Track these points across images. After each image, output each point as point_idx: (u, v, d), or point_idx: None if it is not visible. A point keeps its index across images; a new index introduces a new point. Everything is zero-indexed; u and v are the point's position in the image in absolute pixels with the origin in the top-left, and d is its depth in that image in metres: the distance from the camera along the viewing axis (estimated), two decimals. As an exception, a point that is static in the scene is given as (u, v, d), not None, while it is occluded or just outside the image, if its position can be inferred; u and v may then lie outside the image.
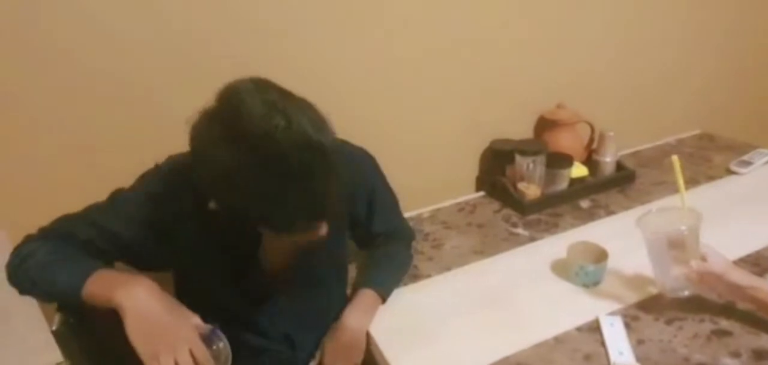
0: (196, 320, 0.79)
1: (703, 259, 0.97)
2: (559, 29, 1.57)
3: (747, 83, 2.06)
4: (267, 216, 0.75)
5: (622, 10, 1.65)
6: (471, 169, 1.63)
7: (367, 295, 1.05)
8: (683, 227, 0.96)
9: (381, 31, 1.33)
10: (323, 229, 0.81)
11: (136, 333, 0.72)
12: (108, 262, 0.87)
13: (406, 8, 1.33)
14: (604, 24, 1.64)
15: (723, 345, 0.95)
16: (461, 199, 1.54)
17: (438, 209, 1.49)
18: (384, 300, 1.07)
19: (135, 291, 0.75)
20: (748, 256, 1.19)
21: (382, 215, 1.11)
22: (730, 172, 1.58)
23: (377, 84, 1.38)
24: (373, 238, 1.13)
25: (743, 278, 0.96)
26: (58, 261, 0.80)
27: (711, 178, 1.56)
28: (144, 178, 0.90)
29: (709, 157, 1.70)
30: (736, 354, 0.92)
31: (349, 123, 1.08)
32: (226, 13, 1.14)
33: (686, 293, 1.00)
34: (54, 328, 0.86)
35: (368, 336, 1.02)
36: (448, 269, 1.22)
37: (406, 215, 1.27)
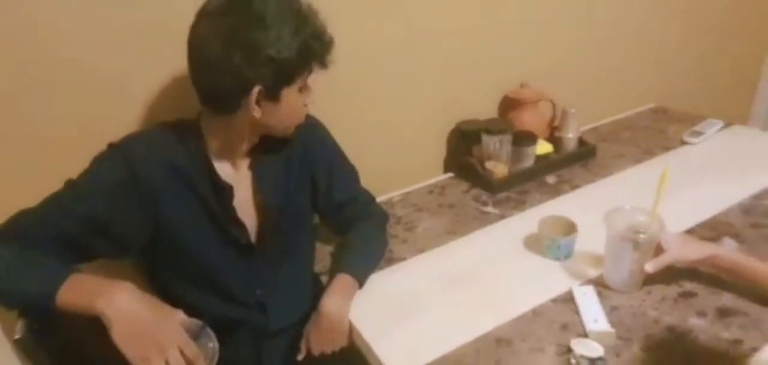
0: (181, 316, 0.80)
1: (660, 248, 1.00)
2: (520, 10, 1.59)
3: (698, 58, 2.16)
4: (310, 47, 0.87)
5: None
6: (439, 151, 1.64)
7: (344, 280, 1.04)
8: (643, 236, 0.99)
9: (346, 16, 1.31)
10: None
11: (123, 339, 0.72)
12: (80, 255, 0.84)
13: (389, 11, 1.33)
14: (563, 5, 1.68)
15: (689, 305, 0.99)
16: (431, 181, 1.55)
17: (408, 193, 1.49)
18: (361, 284, 1.07)
19: (117, 297, 0.74)
20: (705, 222, 1.24)
21: (344, 182, 1.15)
22: (683, 142, 1.66)
23: (344, 70, 1.35)
24: (336, 209, 1.15)
25: (697, 251, 1.01)
26: (24, 267, 0.76)
27: (666, 149, 1.63)
28: (102, 159, 0.89)
29: (664, 129, 1.77)
30: (702, 314, 0.97)
31: (316, 110, 1.07)
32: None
33: (626, 290, 1.03)
34: (17, 337, 0.81)
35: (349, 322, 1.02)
36: (422, 251, 1.22)
37: (378, 199, 1.27)
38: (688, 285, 1.04)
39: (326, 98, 1.32)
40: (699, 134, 1.67)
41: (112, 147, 0.89)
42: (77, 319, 0.74)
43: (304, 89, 0.94)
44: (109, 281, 0.77)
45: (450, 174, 1.58)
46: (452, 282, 1.12)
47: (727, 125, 1.73)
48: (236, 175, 0.99)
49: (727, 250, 1.06)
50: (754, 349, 0.89)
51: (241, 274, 1.01)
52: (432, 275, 1.14)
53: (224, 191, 0.95)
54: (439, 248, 1.23)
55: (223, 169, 0.97)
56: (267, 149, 1.01)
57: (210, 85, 0.88)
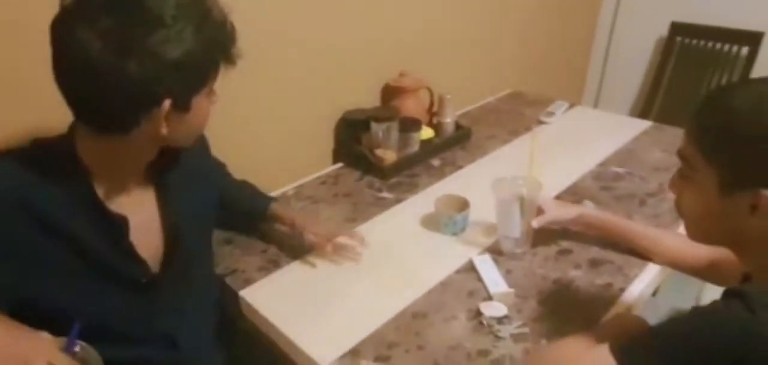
0: (46, 335, 0.69)
1: (541, 209, 1.15)
2: (397, 2, 1.67)
3: (546, 47, 2.45)
4: (218, 42, 0.76)
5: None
6: (327, 142, 1.65)
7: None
8: (526, 198, 1.12)
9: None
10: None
11: None
12: None
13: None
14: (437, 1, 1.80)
15: (567, 261, 1.14)
16: (322, 172, 1.56)
17: (301, 186, 1.48)
18: None
19: None
20: (567, 189, 1.43)
21: (225, 178, 1.17)
22: (539, 122, 1.88)
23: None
24: (223, 207, 1.10)
25: (570, 212, 1.17)
26: None
27: (527, 128, 1.83)
28: None
29: (522, 111, 1.98)
30: (578, 266, 1.13)
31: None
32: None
33: (519, 251, 1.17)
34: None
35: (267, 323, 1.00)
36: (328, 240, 1.23)
37: (271, 194, 1.26)
38: (564, 244, 1.20)
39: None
40: (551, 114, 1.90)
41: None
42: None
43: (210, 92, 0.81)
44: None
45: (340, 164, 1.60)
46: (362, 267, 1.15)
47: (571, 105, 2.00)
48: (129, 200, 0.83)
49: (590, 209, 1.24)
50: (622, 289, 1.06)
51: (140, 312, 0.87)
52: (340, 263, 1.16)
53: (115, 226, 0.80)
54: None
55: (112, 197, 0.81)
56: (164, 159, 0.86)
57: (96, 102, 0.70)
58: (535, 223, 1.14)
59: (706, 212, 0.70)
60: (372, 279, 1.11)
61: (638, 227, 1.15)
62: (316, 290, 1.08)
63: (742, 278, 0.70)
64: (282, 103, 1.46)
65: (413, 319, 1.00)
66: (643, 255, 1.13)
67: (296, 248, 1.18)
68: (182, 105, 0.75)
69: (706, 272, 1.03)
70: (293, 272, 1.13)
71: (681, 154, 0.72)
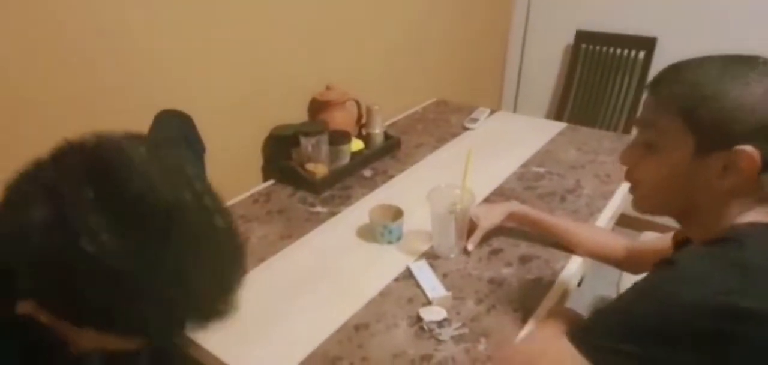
0: None
1: (473, 223, 1.21)
2: (319, 16, 1.67)
3: (467, 57, 2.54)
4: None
5: (372, 2, 1.85)
6: (256, 159, 1.62)
7: None
8: (459, 207, 1.16)
9: (152, 30, 1.21)
10: None
11: None
12: None
13: (176, 5, 1.24)
14: (358, 12, 1.81)
15: (499, 259, 1.19)
16: (253, 190, 1.52)
17: (232, 205, 1.44)
18: None
19: None
20: (494, 191, 1.49)
21: None
22: (465, 128, 1.94)
23: (149, 86, 1.25)
24: None
25: (499, 214, 1.24)
26: None
27: (453, 135, 1.89)
28: None
29: (447, 119, 2.05)
30: (509, 264, 1.18)
31: (122, 123, 0.95)
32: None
33: (452, 255, 1.20)
34: None
35: (208, 354, 0.96)
36: (263, 259, 1.20)
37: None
38: (495, 243, 1.25)
39: (130, 112, 1.21)
40: (475, 120, 1.98)
41: None
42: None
43: None
44: None
45: (271, 181, 1.57)
46: (299, 283, 1.13)
47: (493, 111, 2.09)
48: None
49: (515, 205, 1.29)
50: (551, 282, 1.12)
51: None
52: (278, 281, 1.14)
53: None
54: (278, 254, 1.22)
55: None
56: None
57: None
58: (471, 245, 1.19)
59: (670, 179, 0.73)
60: (311, 295, 1.09)
61: (561, 222, 1.22)
62: (253, 312, 1.04)
63: (659, 260, 0.75)
64: (208, 122, 1.41)
65: (355, 331, 1.00)
66: (566, 247, 1.20)
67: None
68: None
69: (622, 261, 1.12)
70: (228, 295, 1.09)
71: (648, 124, 0.75)
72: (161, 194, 0.53)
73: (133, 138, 0.57)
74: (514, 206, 1.27)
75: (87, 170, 0.52)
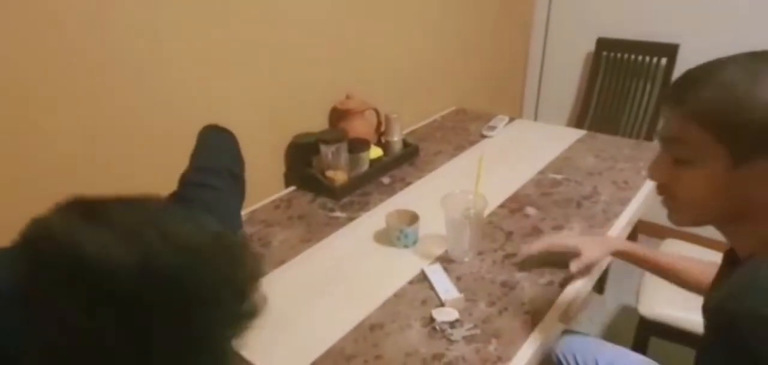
0: None
1: (578, 251, 1.13)
2: (338, 28, 1.72)
3: (487, 66, 2.57)
4: None
5: (391, 12, 1.90)
6: (278, 166, 1.67)
7: None
8: (472, 212, 1.19)
9: (176, 39, 1.28)
10: None
11: None
12: None
13: (200, 14, 1.31)
14: (378, 23, 1.86)
15: (513, 264, 1.21)
16: (274, 197, 1.58)
17: (254, 211, 1.50)
18: None
19: None
20: (510, 197, 1.51)
21: None
22: (483, 136, 1.97)
23: (179, 92, 1.32)
24: None
25: (600, 254, 1.14)
26: None
27: (471, 143, 1.92)
28: None
29: (466, 127, 2.07)
30: (521, 268, 1.20)
31: (148, 134, 1.00)
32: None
33: (467, 259, 1.23)
34: None
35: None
36: (283, 262, 1.25)
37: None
38: (509, 248, 1.27)
39: (160, 118, 1.28)
40: (493, 128, 2.00)
41: None
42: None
43: None
44: None
45: (293, 188, 1.63)
46: (318, 284, 1.17)
47: (512, 119, 2.11)
48: None
49: (619, 242, 1.20)
50: (562, 286, 1.13)
51: None
52: (297, 282, 1.18)
53: None
54: (298, 257, 1.27)
55: None
56: None
57: None
58: (573, 267, 1.12)
59: (710, 192, 0.68)
60: (328, 296, 1.14)
61: (668, 259, 1.13)
62: (274, 312, 1.09)
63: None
64: (232, 130, 1.48)
65: (370, 331, 1.03)
66: (677, 283, 1.12)
67: (252, 272, 1.20)
68: None
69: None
70: (250, 295, 1.14)
71: (675, 139, 0.69)
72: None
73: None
74: (618, 243, 1.19)
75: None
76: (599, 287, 2.33)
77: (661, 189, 0.75)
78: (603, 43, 2.62)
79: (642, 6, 2.51)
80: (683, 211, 0.73)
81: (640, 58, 2.52)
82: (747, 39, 2.21)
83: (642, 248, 1.18)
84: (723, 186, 0.66)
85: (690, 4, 2.38)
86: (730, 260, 0.78)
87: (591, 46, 2.67)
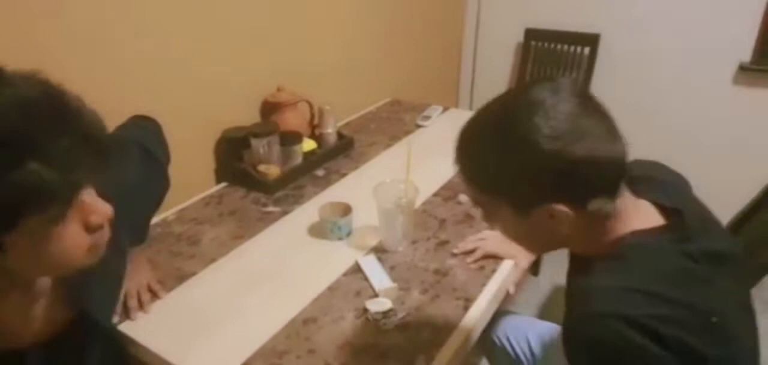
0: None
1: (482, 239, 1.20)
2: (269, 18, 1.68)
3: (421, 57, 2.59)
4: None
5: (323, 2, 1.87)
6: (207, 162, 1.62)
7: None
8: (404, 201, 1.19)
9: (107, 32, 1.21)
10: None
11: None
12: None
13: (130, 10, 1.25)
14: (309, 14, 1.83)
15: (445, 251, 1.23)
16: (204, 193, 1.52)
17: (183, 209, 1.44)
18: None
19: None
20: (444, 184, 1.54)
21: None
22: (417, 126, 1.99)
23: (103, 88, 1.24)
24: None
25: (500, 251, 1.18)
26: None
27: (406, 133, 1.93)
28: None
29: (401, 117, 2.09)
30: (454, 255, 1.22)
31: None
32: None
33: (400, 248, 1.24)
34: None
35: (156, 357, 0.96)
36: (214, 260, 1.21)
37: (152, 222, 1.20)
38: (442, 236, 1.29)
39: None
40: (427, 118, 2.02)
41: None
42: None
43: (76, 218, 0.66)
44: None
45: (224, 184, 1.58)
46: (251, 281, 1.14)
47: (446, 108, 2.14)
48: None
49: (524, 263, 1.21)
50: (493, 270, 1.16)
51: None
52: (229, 281, 1.15)
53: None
54: (230, 254, 1.24)
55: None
56: None
57: None
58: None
59: (521, 233, 0.74)
60: (261, 293, 1.11)
61: None
62: (203, 311, 1.06)
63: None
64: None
65: (303, 325, 1.02)
66: None
67: (177, 273, 1.15)
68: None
69: None
70: (176, 297, 1.10)
71: (474, 201, 0.76)
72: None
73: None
74: (523, 264, 1.21)
75: None
76: (534, 269, 2.42)
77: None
78: (531, 34, 2.71)
79: (566, -3, 2.62)
80: (526, 247, 0.82)
81: (565, 47, 2.62)
82: (662, 29, 2.36)
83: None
84: (525, 228, 0.71)
85: (609, -4, 2.51)
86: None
87: (520, 37, 2.75)
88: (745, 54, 2.30)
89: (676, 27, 2.36)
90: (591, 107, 0.66)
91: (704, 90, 2.41)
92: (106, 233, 0.69)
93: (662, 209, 0.73)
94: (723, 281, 0.68)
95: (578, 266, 0.77)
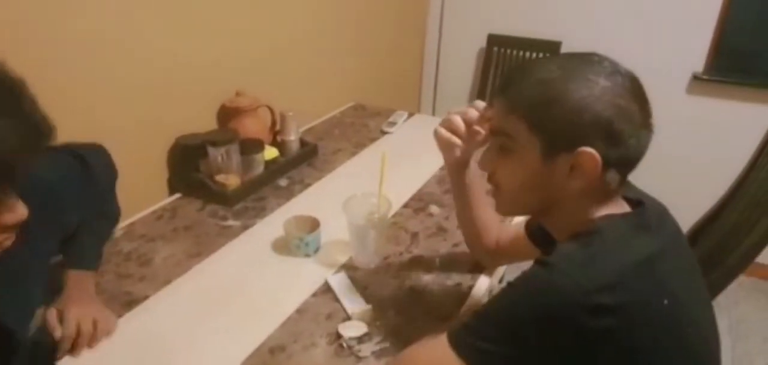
0: None
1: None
2: (228, 20, 1.58)
3: (384, 61, 2.53)
4: None
5: (287, 5, 1.78)
6: (159, 172, 1.49)
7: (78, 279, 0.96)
8: (376, 216, 1.12)
9: (54, 36, 1.08)
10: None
11: None
12: None
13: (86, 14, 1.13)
14: (272, 15, 1.73)
15: (419, 267, 1.17)
16: (156, 206, 1.40)
17: (132, 224, 1.32)
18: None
19: None
20: (414, 195, 1.48)
21: None
22: (383, 132, 1.92)
23: (44, 93, 1.11)
24: None
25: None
26: None
27: (372, 140, 1.86)
28: None
29: (365, 123, 2.02)
30: (429, 271, 1.16)
31: None
32: None
33: (372, 266, 1.17)
34: None
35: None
36: (168, 281, 1.10)
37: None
38: (416, 251, 1.23)
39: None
40: (393, 124, 1.96)
41: None
42: None
43: None
44: None
45: (178, 195, 1.46)
46: (209, 305, 1.04)
47: (411, 114, 2.09)
48: None
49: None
50: (470, 286, 1.11)
51: None
52: (185, 305, 1.04)
53: None
54: (186, 275, 1.13)
55: None
56: None
57: None
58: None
59: (527, 181, 0.75)
60: (222, 319, 1.01)
61: (480, 197, 1.05)
62: (155, 340, 0.95)
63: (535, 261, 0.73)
64: (104, 132, 1.28)
65: (271, 355, 0.93)
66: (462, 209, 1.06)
67: (126, 297, 1.04)
68: None
69: (495, 253, 1.07)
70: (126, 325, 0.98)
71: (499, 130, 0.76)
72: None
73: None
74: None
75: None
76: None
77: (490, 179, 0.81)
78: (493, 39, 2.70)
79: (528, 5, 2.62)
80: (505, 200, 0.81)
81: (527, 53, 2.63)
82: (621, 37, 2.39)
83: (479, 180, 1.04)
84: (538, 176, 0.73)
85: (571, 5, 2.53)
86: (531, 233, 0.97)
87: (483, 43, 2.74)
88: (698, 65, 2.37)
89: (632, 36, 2.41)
90: (645, 97, 0.72)
91: (659, 99, 2.45)
92: (11, 238, 0.65)
93: (628, 202, 0.77)
94: (678, 271, 0.72)
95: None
